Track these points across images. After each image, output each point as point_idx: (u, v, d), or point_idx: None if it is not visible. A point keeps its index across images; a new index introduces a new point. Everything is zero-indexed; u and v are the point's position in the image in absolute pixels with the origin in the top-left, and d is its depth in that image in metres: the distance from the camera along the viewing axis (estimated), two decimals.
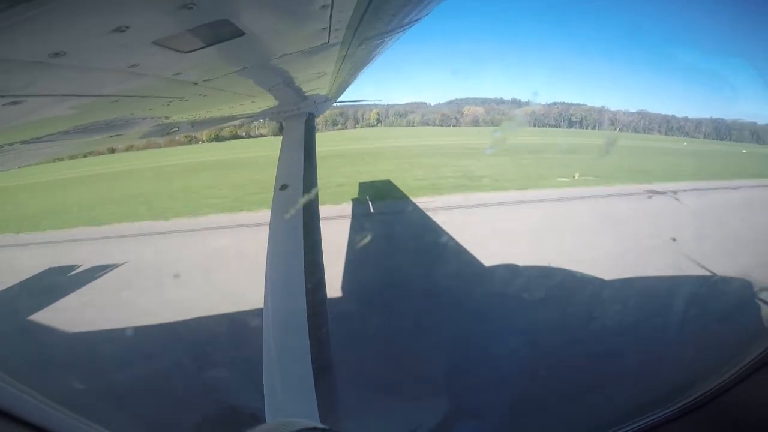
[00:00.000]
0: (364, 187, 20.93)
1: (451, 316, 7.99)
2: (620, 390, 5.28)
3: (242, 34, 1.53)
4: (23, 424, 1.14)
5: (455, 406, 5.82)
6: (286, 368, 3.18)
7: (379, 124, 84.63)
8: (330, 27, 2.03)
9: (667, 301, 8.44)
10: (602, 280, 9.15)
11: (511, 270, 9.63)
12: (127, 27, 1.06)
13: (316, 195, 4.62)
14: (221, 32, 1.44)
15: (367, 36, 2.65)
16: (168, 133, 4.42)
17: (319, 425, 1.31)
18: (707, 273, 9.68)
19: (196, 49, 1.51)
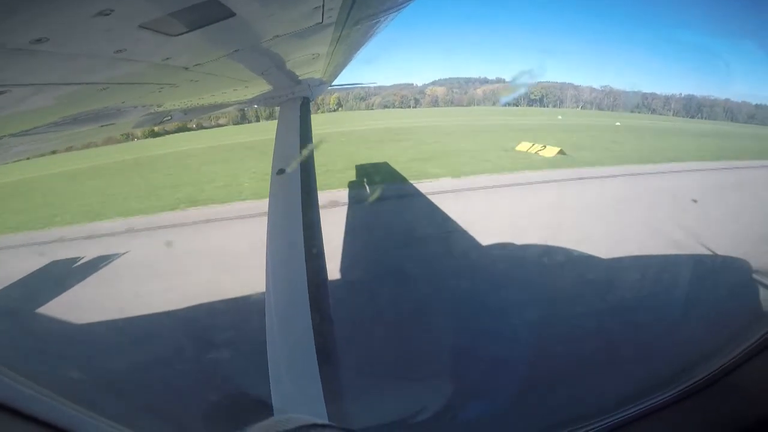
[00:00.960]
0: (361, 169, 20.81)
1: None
2: (618, 372, 5.35)
3: (232, 14, 1.48)
4: (33, 421, 1.14)
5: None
6: (289, 352, 3.20)
7: (339, 109, 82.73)
8: (323, 6, 1.96)
9: (664, 281, 8.52)
10: (600, 259, 9.18)
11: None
12: (111, 10, 1.01)
13: (314, 178, 4.58)
14: (210, 13, 1.38)
15: (362, 16, 2.57)
16: (161, 122, 4.34)
17: (319, 421, 1.29)
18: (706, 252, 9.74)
19: (185, 32, 1.45)
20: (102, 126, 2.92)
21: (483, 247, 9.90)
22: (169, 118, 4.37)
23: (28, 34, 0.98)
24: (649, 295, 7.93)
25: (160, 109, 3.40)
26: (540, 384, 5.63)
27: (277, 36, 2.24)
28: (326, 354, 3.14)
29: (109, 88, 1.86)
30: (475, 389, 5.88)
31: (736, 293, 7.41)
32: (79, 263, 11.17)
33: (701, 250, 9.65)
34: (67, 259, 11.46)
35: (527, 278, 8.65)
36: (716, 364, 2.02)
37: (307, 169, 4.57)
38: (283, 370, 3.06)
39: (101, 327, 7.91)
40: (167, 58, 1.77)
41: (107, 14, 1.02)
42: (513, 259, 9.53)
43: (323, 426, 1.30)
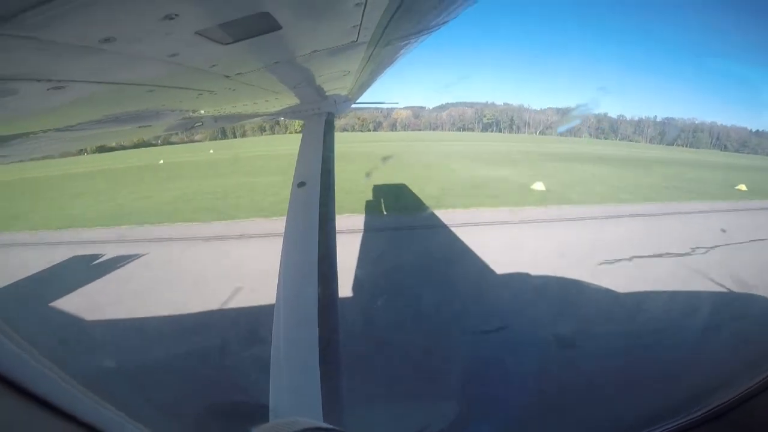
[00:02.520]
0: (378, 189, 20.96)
1: None
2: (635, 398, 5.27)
3: (279, 27, 1.56)
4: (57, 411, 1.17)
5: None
6: (293, 364, 3.20)
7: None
8: (361, 25, 2.05)
9: (683, 315, 8.38)
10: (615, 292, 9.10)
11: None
12: (177, 15, 1.09)
13: (333, 193, 4.65)
14: (261, 25, 1.47)
15: (395, 36, 2.67)
16: (192, 128, 4.50)
17: (324, 425, 1.31)
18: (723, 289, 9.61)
19: (235, 41, 1.54)
20: (140, 127, 3.06)
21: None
22: (201, 123, 4.53)
23: (99, 33, 1.06)
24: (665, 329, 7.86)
25: (194, 115, 3.54)
26: (560, 405, 5.56)
27: (315, 51, 2.34)
28: (329, 365, 3.14)
29: (155, 90, 1.96)
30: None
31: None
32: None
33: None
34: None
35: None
36: (734, 392, 1.99)
37: (327, 184, 4.65)
38: (284, 376, 3.07)
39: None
40: (213, 66, 1.87)
41: (172, 18, 1.10)
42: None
43: (327, 430, 1.31)
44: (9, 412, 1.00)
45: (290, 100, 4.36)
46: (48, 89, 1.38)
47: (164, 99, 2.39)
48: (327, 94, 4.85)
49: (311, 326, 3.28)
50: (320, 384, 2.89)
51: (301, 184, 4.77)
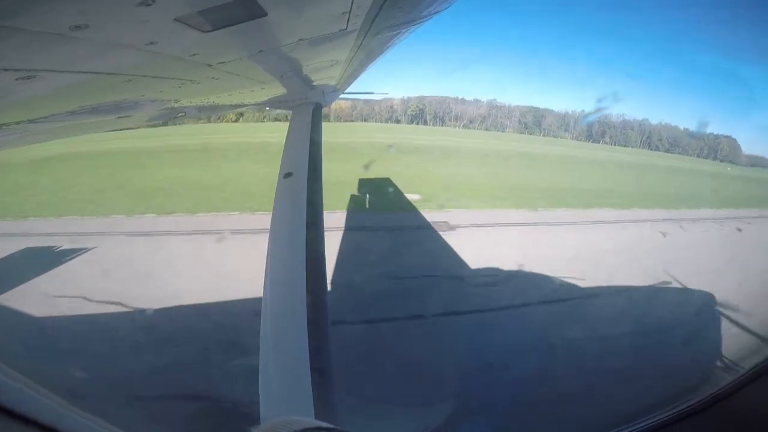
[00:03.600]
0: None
1: None
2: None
3: (265, 14, 1.49)
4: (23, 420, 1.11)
5: None
6: (282, 362, 3.15)
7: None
8: (350, 12, 1.97)
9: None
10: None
11: None
12: (153, 1, 1.02)
13: (321, 184, 4.58)
14: (245, 11, 1.39)
15: (385, 25, 2.59)
16: (174, 118, 4.36)
17: (324, 424, 1.27)
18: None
19: (217, 29, 1.46)
20: (119, 117, 2.93)
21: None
22: (183, 114, 4.39)
23: (70, 20, 0.98)
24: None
25: (177, 105, 3.42)
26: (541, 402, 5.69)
27: (302, 39, 2.25)
28: (320, 362, 3.10)
29: (133, 80, 1.86)
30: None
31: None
32: None
33: None
34: None
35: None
36: (711, 389, 2.04)
37: (314, 175, 4.57)
38: (274, 376, 3.02)
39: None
40: (194, 54, 1.78)
41: (149, 5, 1.02)
42: None
43: (327, 429, 1.27)
44: None
45: (277, 90, 4.25)
46: (17, 79, 1.29)
47: (143, 89, 2.28)
48: (314, 84, 4.75)
49: (300, 321, 3.23)
50: (311, 380, 2.86)
51: (288, 175, 4.67)
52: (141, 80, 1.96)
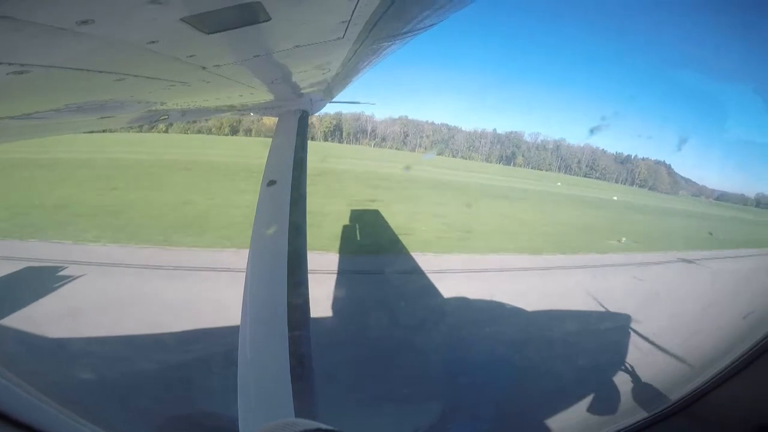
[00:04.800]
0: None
1: None
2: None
3: (268, 19, 1.48)
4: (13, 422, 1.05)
5: None
6: (262, 372, 3.08)
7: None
8: (350, 21, 1.99)
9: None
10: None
11: None
12: None
13: (305, 193, 4.54)
14: (250, 15, 1.39)
15: (381, 35, 2.63)
16: (157, 120, 4.25)
17: (324, 426, 1.26)
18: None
19: (220, 31, 1.45)
20: (102, 118, 2.84)
21: None
22: (166, 117, 4.29)
23: (78, 14, 0.95)
24: None
25: (162, 108, 3.34)
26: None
27: (298, 46, 2.26)
28: (300, 367, 3.04)
29: (126, 79, 1.82)
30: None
31: None
32: None
33: None
34: None
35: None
36: (690, 386, 2.13)
37: (299, 183, 4.53)
38: (253, 383, 2.94)
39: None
40: (192, 56, 1.75)
41: (160, 3, 1.01)
42: None
43: (327, 431, 1.25)
44: None
45: (265, 95, 4.22)
46: (8, 74, 1.24)
47: (133, 89, 2.22)
48: (303, 91, 4.74)
49: (281, 333, 3.17)
50: (292, 391, 2.80)
51: (271, 183, 4.62)
52: (133, 80, 1.92)
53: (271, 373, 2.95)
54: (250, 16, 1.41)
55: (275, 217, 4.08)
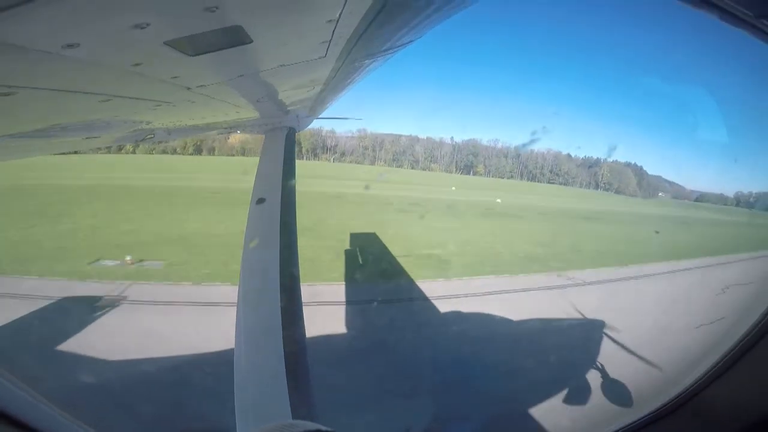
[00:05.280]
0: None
1: None
2: None
3: (250, 41, 1.54)
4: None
5: None
6: (258, 376, 3.08)
7: None
8: (330, 41, 2.07)
9: None
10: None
11: None
12: (148, 24, 1.05)
13: (294, 210, 4.57)
14: (232, 38, 1.45)
15: (361, 54, 2.72)
16: (143, 140, 4.27)
17: (323, 428, 1.28)
18: None
19: (203, 53, 1.50)
20: (87, 138, 2.86)
21: None
22: (152, 136, 4.32)
23: (63, 38, 1.00)
24: None
25: (148, 127, 3.37)
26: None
27: (282, 65, 2.33)
28: (296, 370, 3.03)
29: (112, 100, 1.85)
30: None
31: None
32: None
33: None
34: None
35: None
36: (685, 386, 2.19)
37: (288, 200, 4.56)
38: (249, 387, 2.92)
39: None
40: (176, 77, 1.80)
41: (143, 28, 1.06)
42: None
43: None
44: None
45: (251, 113, 4.28)
46: None
47: (118, 109, 2.26)
48: (289, 109, 4.81)
49: (275, 348, 3.17)
50: (288, 393, 2.79)
51: (261, 201, 4.64)
52: (118, 101, 1.95)
53: (266, 377, 2.94)
54: (232, 38, 1.47)
55: (265, 235, 4.09)
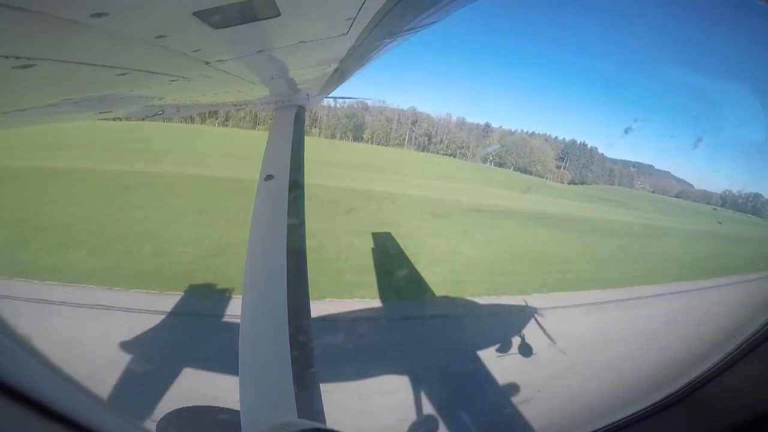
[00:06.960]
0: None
1: None
2: None
3: (278, 14, 1.47)
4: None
5: None
6: (263, 367, 3.07)
7: None
8: (355, 19, 1.98)
9: None
10: None
11: None
12: None
13: (303, 187, 4.52)
14: (261, 10, 1.38)
15: (384, 33, 2.62)
16: (153, 115, 4.20)
17: (322, 426, 1.27)
18: None
19: (230, 26, 1.43)
20: (100, 113, 2.80)
21: None
22: (161, 112, 4.24)
23: (92, 6, 0.93)
24: None
25: (159, 103, 3.30)
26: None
27: (302, 42, 2.24)
28: (302, 366, 3.03)
29: (128, 74, 1.79)
30: None
31: None
32: None
33: None
34: None
35: None
36: (687, 380, 2.19)
37: (296, 178, 4.50)
38: (254, 380, 2.93)
39: None
40: (197, 50, 1.73)
41: None
42: None
43: (326, 431, 1.26)
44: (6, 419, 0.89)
45: (263, 91, 4.18)
46: (13, 67, 1.21)
47: (134, 84, 2.19)
48: (300, 87, 4.71)
49: (281, 329, 3.16)
50: (293, 386, 2.79)
51: (269, 177, 4.58)
52: (135, 75, 1.89)
53: (272, 371, 2.94)
54: (261, 11, 1.40)
55: (273, 212, 4.05)
